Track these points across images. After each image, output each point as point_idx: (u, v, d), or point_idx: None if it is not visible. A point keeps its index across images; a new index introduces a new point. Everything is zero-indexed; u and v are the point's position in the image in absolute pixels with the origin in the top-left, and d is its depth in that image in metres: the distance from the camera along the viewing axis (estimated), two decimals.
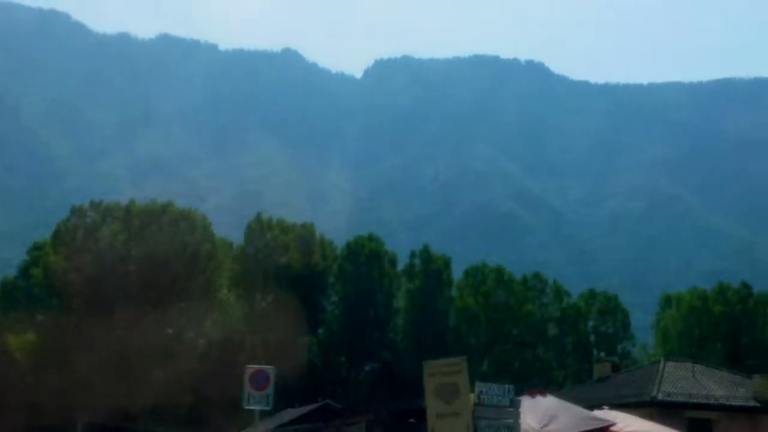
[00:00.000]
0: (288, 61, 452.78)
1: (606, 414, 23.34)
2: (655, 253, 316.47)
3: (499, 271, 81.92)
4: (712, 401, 38.15)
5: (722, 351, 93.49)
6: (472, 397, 16.99)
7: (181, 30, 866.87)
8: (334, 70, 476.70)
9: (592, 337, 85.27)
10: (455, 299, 79.26)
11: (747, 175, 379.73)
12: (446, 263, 79.76)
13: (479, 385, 17.00)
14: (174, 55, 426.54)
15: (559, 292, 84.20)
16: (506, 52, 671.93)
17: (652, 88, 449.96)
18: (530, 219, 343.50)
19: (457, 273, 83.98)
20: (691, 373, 40.67)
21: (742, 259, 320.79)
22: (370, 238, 79.64)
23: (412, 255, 79.85)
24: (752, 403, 38.66)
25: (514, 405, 17.34)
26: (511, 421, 17.26)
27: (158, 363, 64.42)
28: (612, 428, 21.92)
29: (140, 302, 68.63)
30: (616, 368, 48.21)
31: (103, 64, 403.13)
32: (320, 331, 74.26)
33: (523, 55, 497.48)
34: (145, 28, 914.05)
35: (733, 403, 38.10)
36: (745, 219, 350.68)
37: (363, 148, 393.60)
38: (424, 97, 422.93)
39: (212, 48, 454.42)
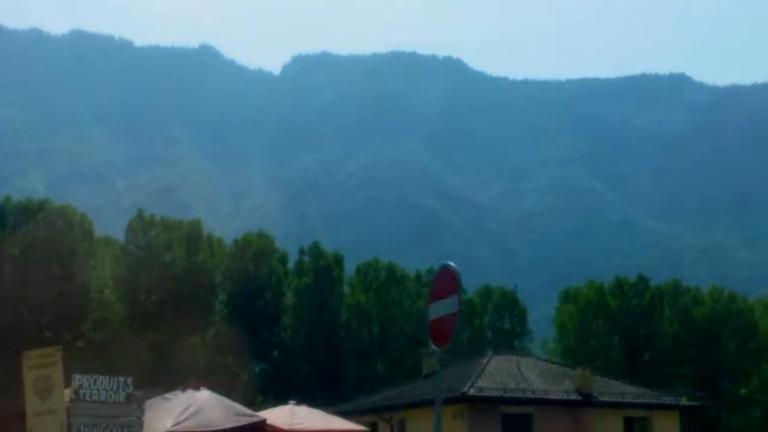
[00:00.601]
0: (205, 57, 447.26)
1: (288, 410, 22.13)
2: (575, 247, 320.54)
3: (392, 267, 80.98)
4: (528, 395, 36.69)
5: (620, 345, 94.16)
6: (69, 392, 15.09)
7: (95, 25, 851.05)
8: (252, 66, 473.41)
9: (489, 334, 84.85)
10: (347, 296, 78.01)
11: (662, 170, 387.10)
12: (338, 260, 78.44)
13: (78, 379, 14.86)
14: (88, 51, 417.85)
15: None
16: (424, 48, 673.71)
17: (569, 84, 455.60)
18: (451, 215, 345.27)
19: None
20: (516, 366, 39.48)
21: (659, 253, 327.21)
22: (260, 235, 77.88)
23: (302, 252, 78.33)
24: (573, 397, 37.33)
25: (134, 401, 15.37)
26: (132, 419, 15.29)
27: None
28: (278, 425, 20.68)
29: (16, 303, 66.15)
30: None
31: (15, 61, 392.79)
32: (208, 331, 72.29)
33: (441, 52, 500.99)
34: (57, 23, 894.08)
35: (552, 396, 36.74)
36: (660, 213, 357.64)
37: (283, 144, 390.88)
38: (343, 93, 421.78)
39: (127, 44, 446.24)
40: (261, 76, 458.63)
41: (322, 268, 76.27)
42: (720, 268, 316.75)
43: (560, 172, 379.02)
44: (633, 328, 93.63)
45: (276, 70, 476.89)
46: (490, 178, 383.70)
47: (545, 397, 36.65)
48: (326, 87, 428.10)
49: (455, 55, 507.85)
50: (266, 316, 73.79)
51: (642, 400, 38.64)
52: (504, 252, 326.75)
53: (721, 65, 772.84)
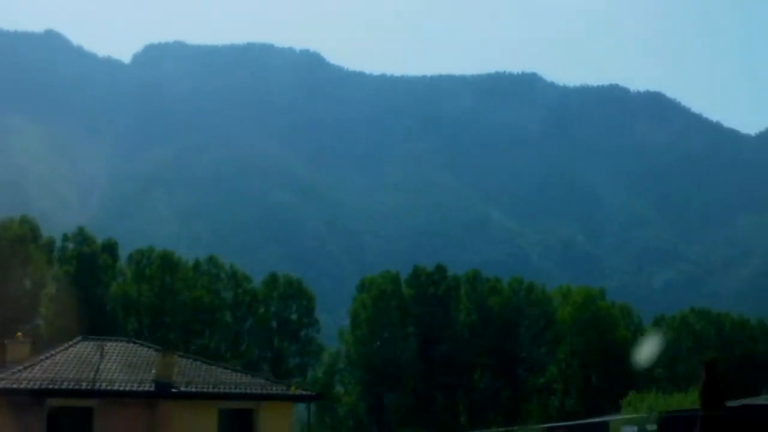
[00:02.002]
0: (51, 43, 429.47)
1: None
2: (428, 243, 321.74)
3: (167, 256, 77.38)
4: (84, 386, 31.68)
5: (415, 333, 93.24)
6: None
7: None
8: (101, 53, 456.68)
9: (274, 323, 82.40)
10: (114, 285, 74.08)
11: (513, 168, 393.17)
12: (109, 247, 74.49)
13: None
14: None
15: (237, 278, 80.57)
16: (281, 41, 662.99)
17: (426, 80, 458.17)
18: (307, 211, 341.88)
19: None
20: (99, 354, 34.49)
21: (508, 248, 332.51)
22: (22, 221, 73.10)
23: (65, 238, 73.97)
24: (146, 387, 32.76)
25: None
26: None
27: None
28: None
29: None
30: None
31: None
32: None
33: (298, 45, 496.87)
34: None
35: (119, 387, 32.14)
36: (511, 209, 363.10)
37: (133, 136, 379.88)
38: (198, 85, 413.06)
39: None
40: (110, 64, 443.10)
41: (87, 255, 72.21)
42: (565, 263, 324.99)
43: (415, 169, 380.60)
44: (429, 318, 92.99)
45: (126, 59, 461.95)
46: (346, 174, 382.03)
47: (109, 388, 32.03)
48: (180, 78, 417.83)
49: (313, 48, 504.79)
50: (20, 306, 69.24)
51: (238, 390, 34.04)
52: (357, 248, 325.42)
53: (570, 66, 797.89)
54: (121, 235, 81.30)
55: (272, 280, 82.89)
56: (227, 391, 33.03)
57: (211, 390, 32.79)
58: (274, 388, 35.16)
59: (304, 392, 36.77)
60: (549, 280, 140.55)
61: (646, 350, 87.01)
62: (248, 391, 33.42)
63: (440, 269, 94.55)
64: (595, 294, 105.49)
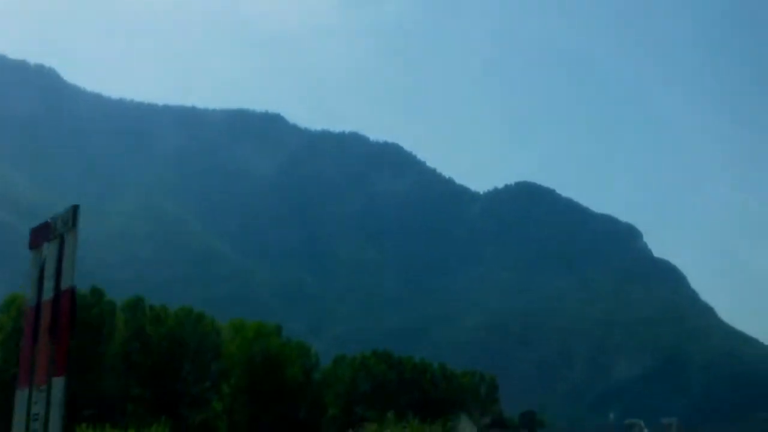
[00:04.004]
0: None
1: None
2: (155, 273, 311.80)
3: None
4: None
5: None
6: None
7: None
8: None
9: None
10: None
11: (249, 206, 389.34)
12: None
13: None
14: None
15: None
16: (15, 53, 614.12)
17: (169, 111, 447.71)
18: (25, 231, 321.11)
19: None
20: None
21: (238, 285, 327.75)
22: None
23: None
24: None
25: None
26: None
27: None
28: None
29: None
30: None
31: None
32: None
33: (33, 58, 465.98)
34: None
35: None
36: (243, 247, 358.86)
37: None
38: None
39: None
40: None
41: None
42: (294, 304, 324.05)
43: (148, 198, 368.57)
44: (77, 346, 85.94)
45: None
46: (71, 196, 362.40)
47: None
48: None
49: (49, 64, 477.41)
50: None
51: None
52: (83, 274, 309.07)
53: (314, 110, 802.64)
54: None
55: None
56: None
57: None
58: None
59: None
60: (276, 319, 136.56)
61: None
62: None
63: (96, 293, 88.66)
64: (269, 330, 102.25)
